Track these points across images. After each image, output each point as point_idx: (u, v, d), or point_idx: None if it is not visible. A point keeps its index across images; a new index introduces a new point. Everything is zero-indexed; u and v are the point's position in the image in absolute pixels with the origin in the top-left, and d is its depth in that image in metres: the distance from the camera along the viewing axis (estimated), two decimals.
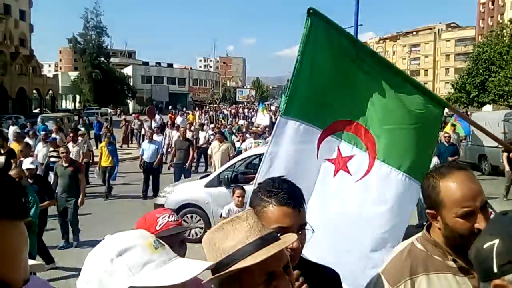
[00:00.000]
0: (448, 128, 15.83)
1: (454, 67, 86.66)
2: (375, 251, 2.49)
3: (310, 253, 2.43)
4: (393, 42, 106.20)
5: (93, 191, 13.33)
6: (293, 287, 1.28)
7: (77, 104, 71.94)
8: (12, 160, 8.11)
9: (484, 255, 1.10)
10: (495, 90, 39.88)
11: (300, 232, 1.49)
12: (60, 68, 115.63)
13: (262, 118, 25.03)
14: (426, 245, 1.75)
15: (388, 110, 2.63)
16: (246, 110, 47.05)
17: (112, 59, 72.69)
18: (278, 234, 1.31)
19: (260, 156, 10.18)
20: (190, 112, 40.73)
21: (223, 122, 30.00)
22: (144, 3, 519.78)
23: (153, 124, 21.90)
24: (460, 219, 1.60)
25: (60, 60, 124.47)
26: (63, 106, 74.75)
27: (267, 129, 20.62)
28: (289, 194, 1.50)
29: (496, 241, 1.08)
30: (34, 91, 57.79)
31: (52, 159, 11.71)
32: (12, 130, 18.87)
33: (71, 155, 10.02)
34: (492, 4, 78.92)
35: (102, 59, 65.21)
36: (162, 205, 9.24)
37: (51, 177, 9.60)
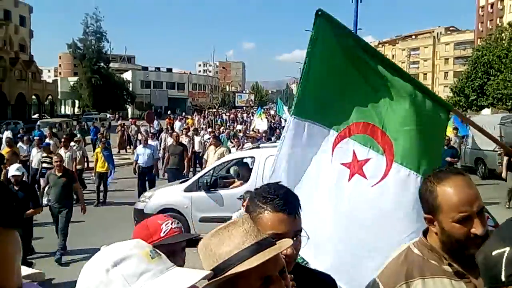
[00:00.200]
0: (449, 131, 15.83)
1: (453, 71, 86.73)
2: None
3: (321, 261, 2.37)
4: (392, 46, 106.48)
5: (87, 197, 13.22)
6: None
7: (76, 110, 72.03)
8: (2, 166, 8.09)
9: (493, 262, 1.08)
10: (493, 94, 39.95)
11: (295, 238, 1.50)
12: (60, 74, 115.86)
13: (260, 123, 25.00)
14: (422, 250, 1.76)
15: (405, 111, 2.54)
16: (245, 115, 47.05)
17: (111, 64, 72.81)
18: (274, 240, 1.32)
19: (240, 160, 10.17)
20: (189, 116, 40.74)
21: (221, 126, 29.95)
22: (144, 8, 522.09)
23: (152, 130, 21.86)
24: (456, 224, 1.61)
25: (60, 65, 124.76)
26: (63, 112, 74.99)
27: (263, 134, 20.57)
28: (284, 201, 1.51)
29: (507, 250, 1.05)
30: (34, 97, 57.90)
31: (44, 165, 11.66)
32: (5, 135, 18.89)
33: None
34: (491, 7, 79.09)
35: (102, 64, 65.32)
36: (142, 210, 9.26)
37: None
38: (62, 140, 13.56)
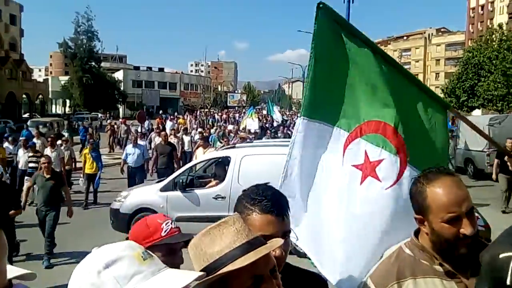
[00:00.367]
0: None
1: (444, 72, 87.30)
2: None
3: (331, 267, 2.28)
4: (383, 47, 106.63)
5: (73, 198, 13.10)
6: None
7: (67, 109, 71.57)
8: None
9: (499, 265, 1.07)
10: (484, 95, 40.22)
11: (284, 240, 1.48)
12: (51, 73, 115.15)
13: (251, 123, 24.96)
14: (413, 250, 1.77)
15: (413, 110, 2.45)
16: (237, 115, 47.00)
17: (103, 64, 72.32)
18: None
19: (217, 160, 10.14)
20: (180, 116, 40.61)
21: (213, 126, 29.88)
22: (136, 7, 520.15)
23: (142, 130, 21.73)
24: (446, 224, 1.62)
25: (51, 64, 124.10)
26: (53, 111, 74.46)
27: (254, 134, 20.54)
28: (272, 202, 1.51)
29: None
30: (24, 96, 57.46)
31: (31, 165, 11.52)
32: None
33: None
34: (482, 9, 79.76)
35: (93, 63, 64.83)
36: (118, 210, 9.23)
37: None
38: (49, 139, 13.36)
